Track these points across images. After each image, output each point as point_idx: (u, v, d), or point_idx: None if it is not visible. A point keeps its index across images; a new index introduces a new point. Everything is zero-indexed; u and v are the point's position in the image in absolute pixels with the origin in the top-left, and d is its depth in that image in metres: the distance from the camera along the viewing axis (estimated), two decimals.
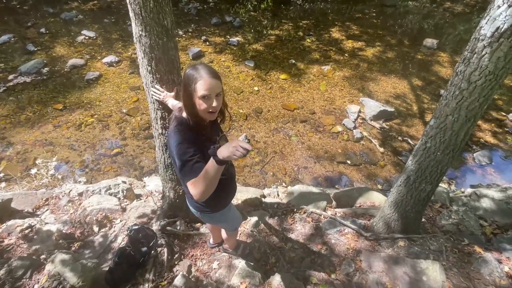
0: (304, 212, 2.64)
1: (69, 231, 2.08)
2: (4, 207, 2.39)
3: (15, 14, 7.24)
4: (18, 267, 1.54)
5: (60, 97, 4.97)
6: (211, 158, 1.10)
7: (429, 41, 6.47)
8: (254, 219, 2.47)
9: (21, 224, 2.00)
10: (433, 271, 1.82)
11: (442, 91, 5.18)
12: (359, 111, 4.72)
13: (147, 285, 1.76)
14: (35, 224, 2.01)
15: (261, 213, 2.61)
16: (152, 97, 1.85)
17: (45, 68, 5.52)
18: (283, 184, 3.80)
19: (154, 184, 2.90)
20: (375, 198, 2.90)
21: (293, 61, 5.84)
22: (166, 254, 1.95)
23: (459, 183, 3.87)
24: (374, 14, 7.88)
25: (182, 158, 1.18)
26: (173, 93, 1.80)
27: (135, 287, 1.75)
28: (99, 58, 5.80)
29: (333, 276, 2.01)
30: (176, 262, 2.00)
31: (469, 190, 3.30)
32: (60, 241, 1.94)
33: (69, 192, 2.79)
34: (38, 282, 1.50)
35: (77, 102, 4.86)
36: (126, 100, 4.92)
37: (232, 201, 1.70)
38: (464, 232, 2.33)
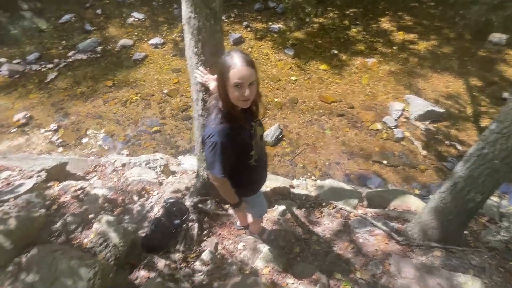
0: (333, 208, 2.58)
1: (113, 197, 2.29)
2: (61, 169, 2.71)
3: None
4: (71, 222, 1.75)
5: (110, 74, 5.37)
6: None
7: (497, 36, 5.69)
8: (281, 207, 2.48)
9: (74, 185, 2.25)
10: (472, 287, 1.68)
11: (506, 94, 4.58)
12: (403, 109, 4.40)
13: (177, 254, 1.89)
14: (86, 187, 2.25)
15: (289, 203, 2.61)
16: (195, 79, 1.91)
17: (99, 47, 5.97)
18: (313, 177, 3.74)
19: (189, 163, 3.04)
20: (412, 202, 2.73)
21: (335, 52, 5.57)
22: (196, 229, 2.06)
23: None
24: (432, 4, 7.11)
25: (215, 157, 1.26)
26: (215, 76, 1.83)
27: (167, 255, 1.88)
28: (146, 39, 6.10)
29: (358, 274, 1.96)
30: (204, 238, 2.10)
31: None
32: (105, 204, 2.15)
33: (114, 162, 3.05)
34: (87, 237, 1.69)
35: (124, 80, 5.21)
36: (167, 82, 5.15)
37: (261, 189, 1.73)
38: None
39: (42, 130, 4.36)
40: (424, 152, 3.91)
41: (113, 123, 4.50)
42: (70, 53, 5.81)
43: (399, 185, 3.61)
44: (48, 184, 2.37)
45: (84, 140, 4.22)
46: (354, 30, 6.14)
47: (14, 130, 4.40)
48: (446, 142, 4.02)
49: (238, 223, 2.27)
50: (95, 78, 5.31)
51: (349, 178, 3.72)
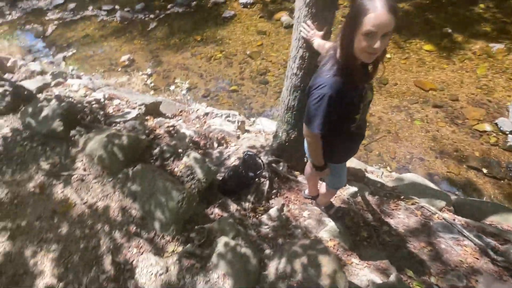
0: (413, 204, 2.30)
1: (196, 140, 2.49)
2: (156, 107, 3.05)
3: None
4: (166, 151, 1.97)
5: (200, 29, 5.64)
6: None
7: None
8: (353, 188, 2.33)
9: (167, 122, 2.51)
10: None
11: None
12: None
13: (247, 204, 1.98)
14: (176, 125, 2.49)
15: (361, 187, 2.44)
16: (299, 33, 1.79)
17: (194, 2, 6.26)
18: (388, 168, 3.40)
19: (263, 125, 3.07)
20: None
21: (449, 31, 4.62)
22: (267, 186, 2.10)
23: None
24: None
25: (318, 111, 1.17)
26: (321, 33, 1.69)
27: (238, 202, 1.99)
28: None
29: (433, 279, 1.76)
30: (272, 197, 2.15)
31: None
32: (190, 144, 2.36)
33: (197, 110, 3.28)
34: (178, 167, 1.89)
35: (211, 37, 5.42)
36: (251, 43, 5.15)
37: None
38: None
39: (140, 73, 4.96)
40: None
41: (197, 76, 4.81)
42: (169, 6, 6.27)
43: (498, 201, 3.00)
44: (146, 117, 2.70)
45: (172, 87, 4.65)
46: (481, 5, 4.94)
47: (120, 69, 5.13)
48: None
49: (307, 191, 2.23)
50: (187, 31, 5.66)
51: (432, 179, 3.25)
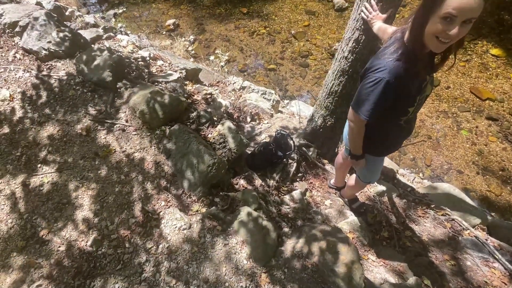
0: (444, 215, 2.18)
1: (231, 111, 2.51)
2: (196, 73, 3.08)
3: None
4: (202, 116, 2.01)
5: (247, 2, 5.49)
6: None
7: None
8: (381, 187, 2.25)
9: (206, 89, 2.54)
10: None
11: None
12: None
13: (272, 182, 1.99)
14: (214, 94, 2.51)
15: (390, 187, 2.34)
16: (359, 14, 1.67)
17: None
18: (420, 174, 3.21)
19: (297, 107, 3.00)
20: None
21: None
22: (293, 168, 2.09)
23: None
24: None
25: (370, 95, 1.09)
26: (385, 15, 1.55)
27: (263, 178, 2.01)
28: None
29: None
30: (297, 180, 2.14)
31: None
32: (225, 114, 2.38)
33: (233, 83, 3.27)
34: (211, 133, 1.94)
35: (258, 11, 5.26)
36: (298, 22, 4.93)
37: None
38: None
39: (183, 39, 5.00)
40: None
41: (237, 50, 4.76)
42: None
43: None
44: (186, 82, 2.75)
45: (211, 57, 4.65)
46: None
47: (164, 32, 5.20)
48: None
49: (332, 181, 2.19)
50: (233, 2, 5.54)
51: (468, 194, 3.03)
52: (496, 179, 3.08)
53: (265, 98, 2.86)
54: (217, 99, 2.46)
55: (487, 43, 4.11)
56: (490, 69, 3.86)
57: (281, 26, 4.96)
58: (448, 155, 3.31)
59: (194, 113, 2.00)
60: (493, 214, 2.90)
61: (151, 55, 2.92)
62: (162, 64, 2.88)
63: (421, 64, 1.06)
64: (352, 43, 1.80)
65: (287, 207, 1.88)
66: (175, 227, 1.52)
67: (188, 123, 1.96)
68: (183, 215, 1.56)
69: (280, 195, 1.96)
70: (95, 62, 2.10)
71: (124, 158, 1.79)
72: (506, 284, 1.74)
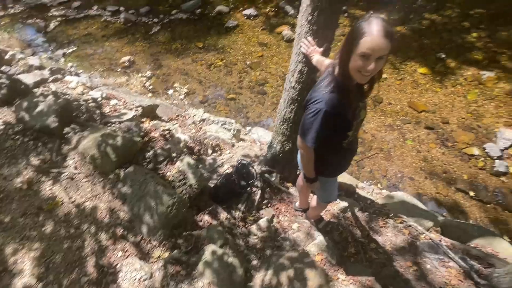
0: (401, 222, 2.33)
1: (191, 145, 2.49)
2: (153, 109, 3.05)
3: None
4: (160, 154, 1.97)
5: (202, 37, 5.72)
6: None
7: None
8: (344, 203, 2.35)
9: (163, 125, 2.51)
10: None
11: None
12: None
13: (237, 213, 1.97)
14: (172, 129, 2.49)
15: (352, 202, 2.46)
16: (299, 48, 1.85)
17: (198, 10, 6.37)
18: (378, 185, 3.44)
19: (258, 134, 3.09)
20: (502, 248, 2.27)
21: (443, 56, 4.80)
22: (258, 196, 2.11)
23: None
24: None
25: (313, 124, 1.20)
26: (321, 49, 1.75)
27: (229, 210, 1.98)
28: (241, 9, 6.25)
29: None
30: (263, 207, 2.15)
31: None
32: (185, 149, 2.35)
33: (193, 116, 3.29)
34: (170, 171, 1.89)
35: (213, 45, 5.50)
36: (252, 53, 5.24)
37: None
38: None
39: (139, 75, 4.97)
40: None
41: (196, 82, 4.85)
42: (173, 11, 6.37)
43: (483, 225, 3.05)
44: (142, 119, 2.70)
45: (170, 91, 4.66)
46: (474, 34, 5.16)
47: (119, 70, 5.13)
48: None
49: (298, 203, 2.24)
50: (189, 37, 5.74)
51: (421, 199, 3.30)
52: (441, 181, 3.42)
53: (225, 128, 2.90)
54: (176, 134, 2.44)
55: (415, 63, 4.76)
56: (421, 85, 4.44)
57: (237, 57, 5.21)
58: (399, 164, 3.61)
59: (151, 152, 1.95)
60: (444, 214, 3.17)
61: (104, 95, 2.84)
62: (116, 104, 2.80)
63: (351, 94, 1.20)
64: (297, 74, 1.96)
65: (255, 237, 1.86)
66: (135, 279, 1.40)
67: (144, 163, 1.89)
68: (144, 264, 1.46)
69: (247, 225, 1.94)
70: (38, 108, 1.98)
71: (73, 209, 1.64)
72: (462, 281, 1.87)
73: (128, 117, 2.46)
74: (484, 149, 3.61)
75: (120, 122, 2.33)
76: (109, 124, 2.25)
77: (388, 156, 3.70)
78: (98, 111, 2.41)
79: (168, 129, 2.45)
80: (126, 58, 5.30)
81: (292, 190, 2.40)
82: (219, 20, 6.08)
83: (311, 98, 1.24)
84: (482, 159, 3.54)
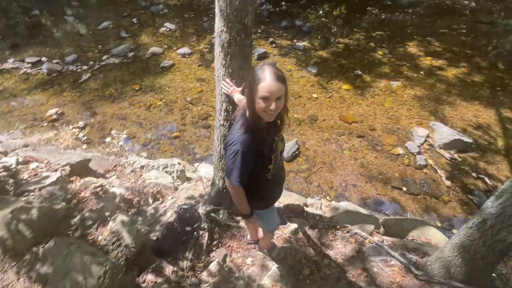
0: (348, 232, 2.48)
1: (129, 197, 2.34)
2: (84, 165, 2.82)
3: (116, 5, 8.47)
4: (89, 218, 1.79)
5: (138, 79, 5.64)
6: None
7: None
8: (293, 226, 2.42)
9: (95, 182, 2.33)
10: None
11: None
12: (427, 136, 4.24)
13: (185, 262, 1.87)
14: (105, 185, 2.32)
15: (301, 222, 2.54)
16: (221, 90, 1.95)
17: (131, 53, 6.32)
18: (327, 197, 3.64)
19: (205, 171, 3.07)
20: (432, 235, 2.57)
21: (359, 72, 5.54)
22: (206, 239, 2.04)
23: None
24: (463, 31, 6.97)
25: (234, 165, 1.27)
26: (240, 88, 1.88)
27: (175, 261, 1.87)
28: (174, 48, 6.40)
29: None
30: (213, 248, 2.08)
31: None
32: (121, 204, 2.20)
33: (133, 163, 3.13)
34: (102, 234, 1.73)
35: (150, 86, 5.44)
36: (191, 90, 5.32)
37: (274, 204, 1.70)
38: None
39: (71, 127, 4.61)
40: (448, 183, 3.71)
41: (136, 126, 4.67)
42: (104, 57, 6.19)
43: (419, 215, 3.42)
44: (71, 179, 2.46)
45: (107, 139, 4.39)
46: (380, 52, 6.11)
47: (46, 124, 4.68)
48: (474, 174, 3.80)
49: (249, 236, 2.23)
50: (124, 81, 5.59)
51: (366, 203, 3.58)
52: (379, 182, 3.78)
53: (167, 172, 2.81)
54: (110, 189, 2.27)
55: (339, 81, 5.38)
56: (347, 99, 5.00)
57: (177, 95, 5.22)
58: (342, 173, 3.91)
59: (77, 217, 1.77)
60: (387, 212, 3.48)
61: (21, 160, 2.54)
62: (37, 167, 2.52)
63: (263, 132, 1.30)
64: (224, 113, 2.05)
65: (206, 285, 1.78)
66: None
67: (70, 232, 1.70)
68: None
69: (196, 274, 1.84)
70: None
71: None
72: (404, 277, 2.04)
73: (51, 180, 2.23)
74: (406, 147, 4.15)
75: (40, 188, 2.09)
76: (25, 194, 2.00)
77: (331, 168, 3.98)
78: (11, 181, 2.13)
79: (101, 185, 2.28)
80: (53, 110, 4.88)
81: (243, 223, 2.38)
82: (154, 61, 6.10)
83: (228, 140, 1.31)
84: (406, 156, 4.05)
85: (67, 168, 2.58)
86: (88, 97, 5.26)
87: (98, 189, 2.24)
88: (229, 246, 2.18)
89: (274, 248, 2.18)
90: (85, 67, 5.94)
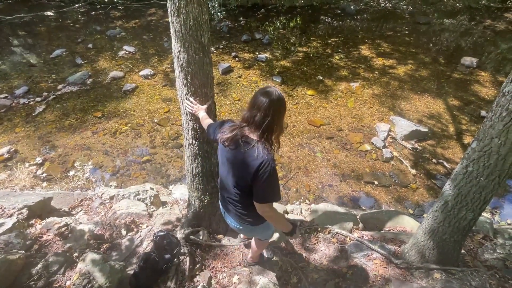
0: (329, 232, 2.53)
1: (100, 232, 2.18)
2: (45, 205, 2.59)
3: (68, 31, 8.11)
4: (53, 263, 1.63)
5: (99, 106, 5.38)
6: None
7: (468, 60, 6.15)
8: (276, 235, 2.41)
9: (58, 222, 2.14)
10: None
11: (483, 112, 4.84)
12: (389, 130, 4.54)
13: None
14: (71, 223, 2.14)
15: None
16: (185, 109, 1.94)
17: (89, 79, 6.04)
18: (307, 201, 3.70)
19: (180, 192, 2.97)
20: (406, 223, 2.71)
21: (321, 78, 5.83)
22: (188, 263, 1.96)
23: (504, 213, 3.50)
24: (406, 32, 7.71)
25: (277, 182, 1.32)
26: (205, 106, 1.88)
27: None
28: (136, 71, 6.24)
29: None
30: (197, 272, 2.00)
31: None
32: (91, 241, 2.04)
33: (101, 195, 2.94)
34: (70, 279, 1.58)
35: (114, 111, 5.22)
36: (158, 111, 5.19)
37: None
38: (511, 269, 2.08)
39: (27, 165, 4.22)
40: (414, 171, 3.98)
41: (102, 154, 4.42)
42: (59, 86, 5.84)
43: (392, 205, 3.61)
44: (30, 222, 2.24)
45: (71, 172, 4.09)
46: (336, 57, 6.51)
47: None
48: (434, 160, 4.12)
49: (250, 258, 2.15)
50: (84, 109, 5.30)
51: (343, 201, 3.70)
52: (352, 179, 3.94)
53: (139, 200, 2.68)
54: (77, 227, 2.10)
55: (303, 88, 5.61)
56: (313, 104, 5.22)
57: (143, 118, 5.06)
58: (317, 176, 4.01)
59: (40, 264, 1.60)
60: (364, 207, 3.62)
61: None
62: None
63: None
64: (192, 132, 2.02)
65: None
66: None
67: (32, 282, 1.54)
68: None
69: None
70: None
71: None
72: (386, 267, 2.11)
73: (6, 227, 2.01)
74: (372, 143, 4.40)
75: None
76: None
77: (306, 172, 4.07)
78: None
79: (66, 224, 2.10)
80: (4, 149, 4.45)
81: (225, 241, 2.33)
82: (115, 85, 5.89)
83: (263, 161, 1.26)
84: (374, 151, 4.29)
85: (25, 211, 2.34)
86: (44, 131, 4.89)
87: (63, 229, 2.06)
88: (213, 267, 2.11)
89: (261, 255, 2.16)
90: (38, 99, 5.54)
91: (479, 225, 2.60)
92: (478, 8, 9.13)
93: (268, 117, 1.26)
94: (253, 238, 1.95)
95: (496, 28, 8.15)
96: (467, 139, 4.41)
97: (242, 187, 1.38)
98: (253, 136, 1.31)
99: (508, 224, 3.11)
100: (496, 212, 3.49)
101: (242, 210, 1.48)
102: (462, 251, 2.18)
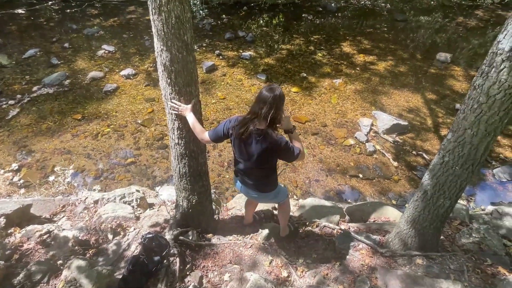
0: (317, 226, 2.59)
1: (85, 238, 2.12)
2: (24, 212, 2.47)
3: (42, 30, 7.72)
4: (36, 272, 1.57)
5: (79, 107, 5.18)
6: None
7: (442, 55, 6.43)
8: (265, 231, 2.44)
9: (40, 229, 2.05)
10: None
11: (457, 105, 5.09)
12: (372, 124, 4.69)
13: None
14: (53, 230, 2.06)
15: (273, 226, 2.58)
16: (170, 109, 1.91)
17: (67, 80, 5.80)
18: (294, 196, 3.76)
19: (167, 193, 2.94)
20: (390, 213, 2.82)
21: (304, 75, 5.91)
22: (178, 264, 1.94)
23: (478, 200, 3.72)
24: (385, 29, 7.94)
25: (295, 143, 1.80)
26: (190, 106, 1.86)
27: None
28: (117, 71, 6.06)
29: None
30: (187, 273, 1.99)
31: (490, 208, 3.16)
32: (76, 247, 1.98)
33: (85, 200, 2.85)
34: (55, 287, 1.53)
35: (94, 113, 5.05)
36: (141, 111, 5.07)
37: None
38: (486, 252, 2.22)
39: (1, 171, 4.01)
40: (396, 163, 4.14)
41: (83, 158, 4.27)
42: (34, 88, 5.57)
43: (377, 197, 3.74)
44: (9, 231, 2.14)
45: (51, 178, 3.93)
46: (319, 54, 6.61)
47: None
48: (414, 152, 4.30)
49: (282, 232, 2.41)
50: (62, 112, 5.09)
51: (330, 195, 3.79)
52: (337, 174, 4.04)
53: (125, 202, 2.62)
54: (60, 234, 2.03)
55: (287, 85, 5.66)
56: (297, 101, 5.28)
57: (126, 119, 4.93)
58: (304, 172, 4.08)
59: (22, 274, 1.54)
60: (349, 200, 3.72)
61: None
62: None
63: None
64: (177, 131, 2.00)
65: None
66: None
67: None
68: None
69: None
70: None
71: None
72: (372, 257, 2.20)
73: None
74: (356, 138, 4.53)
75: None
76: None
77: (293, 168, 4.13)
78: None
79: (47, 232, 2.02)
80: None
81: (215, 240, 2.33)
82: (95, 86, 5.69)
83: (283, 141, 1.69)
84: (357, 146, 4.41)
85: (2, 220, 2.23)
86: (20, 135, 4.65)
87: (45, 236, 1.98)
88: (204, 266, 2.11)
89: (289, 225, 2.45)
90: (11, 102, 5.25)
91: (456, 212, 2.75)
92: (451, 6, 9.56)
93: (272, 109, 1.57)
94: (279, 216, 2.33)
95: (467, 25, 8.58)
96: (443, 131, 4.64)
97: (268, 164, 1.81)
98: (262, 126, 1.63)
99: (482, 210, 3.31)
100: (471, 199, 3.70)
101: (265, 181, 1.92)
102: (441, 237, 2.30)
